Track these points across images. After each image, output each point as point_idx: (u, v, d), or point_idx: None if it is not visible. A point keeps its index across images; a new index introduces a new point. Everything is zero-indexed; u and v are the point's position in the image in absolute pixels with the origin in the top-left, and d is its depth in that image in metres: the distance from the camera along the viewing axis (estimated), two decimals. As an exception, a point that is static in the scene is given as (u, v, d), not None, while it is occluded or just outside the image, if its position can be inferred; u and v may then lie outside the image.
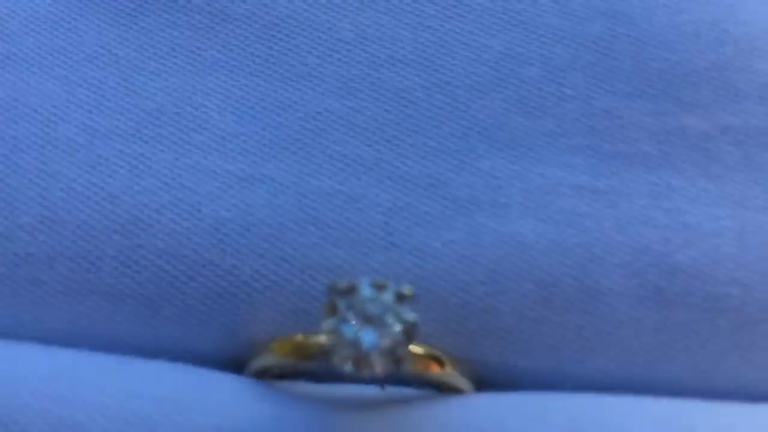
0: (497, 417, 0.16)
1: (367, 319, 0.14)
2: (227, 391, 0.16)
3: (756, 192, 0.17)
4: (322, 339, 0.15)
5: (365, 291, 0.14)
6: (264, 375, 0.17)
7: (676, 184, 0.17)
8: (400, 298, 0.15)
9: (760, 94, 0.18)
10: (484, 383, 0.17)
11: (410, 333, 0.14)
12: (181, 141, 0.18)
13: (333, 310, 0.15)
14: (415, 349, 0.15)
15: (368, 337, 0.14)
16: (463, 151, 0.18)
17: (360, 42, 0.18)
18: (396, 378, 0.16)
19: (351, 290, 0.15)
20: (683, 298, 0.16)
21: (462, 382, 0.16)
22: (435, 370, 0.16)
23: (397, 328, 0.14)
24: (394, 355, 0.14)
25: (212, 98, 0.18)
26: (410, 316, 0.14)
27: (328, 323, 0.14)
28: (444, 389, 0.16)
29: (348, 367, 0.14)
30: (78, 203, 0.17)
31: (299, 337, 0.16)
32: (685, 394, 0.17)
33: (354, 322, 0.14)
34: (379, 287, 0.15)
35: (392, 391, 0.16)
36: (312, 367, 0.16)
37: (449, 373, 0.16)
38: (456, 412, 0.16)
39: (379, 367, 0.14)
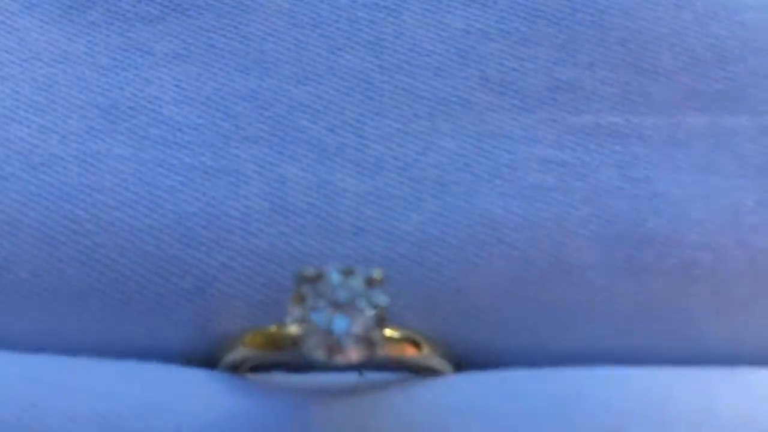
0: (479, 395, 0.15)
1: (338, 306, 0.14)
2: (202, 387, 0.16)
3: (720, 156, 0.17)
4: (294, 329, 0.15)
5: (333, 277, 0.14)
6: (238, 369, 0.16)
7: (642, 152, 0.17)
8: (370, 282, 0.14)
9: (720, 58, 0.18)
10: (462, 364, 0.17)
11: (382, 317, 0.14)
12: (138, 136, 0.18)
13: (301, 299, 0.14)
14: (390, 332, 0.15)
15: (340, 323, 0.14)
16: (427, 132, 0.17)
17: (316, 26, 0.18)
18: (373, 363, 0.15)
19: (319, 277, 0.14)
20: (656, 266, 0.16)
21: (440, 363, 0.16)
22: (412, 352, 0.16)
23: (369, 312, 0.14)
24: (368, 340, 0.14)
25: (168, 91, 0.18)
26: (381, 299, 0.14)
27: (296, 312, 0.14)
28: (422, 371, 0.16)
29: (320, 355, 0.14)
30: (34, 204, 0.17)
31: (272, 328, 0.16)
32: (663, 362, 0.17)
33: (324, 310, 0.14)
34: (348, 273, 0.14)
35: (371, 376, 0.16)
36: (287, 357, 0.16)
37: (426, 355, 0.16)
38: (436, 392, 0.16)
39: (352, 353, 0.14)
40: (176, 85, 0.18)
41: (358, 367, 0.16)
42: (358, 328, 0.14)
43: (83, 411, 0.15)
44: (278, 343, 0.15)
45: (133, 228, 0.17)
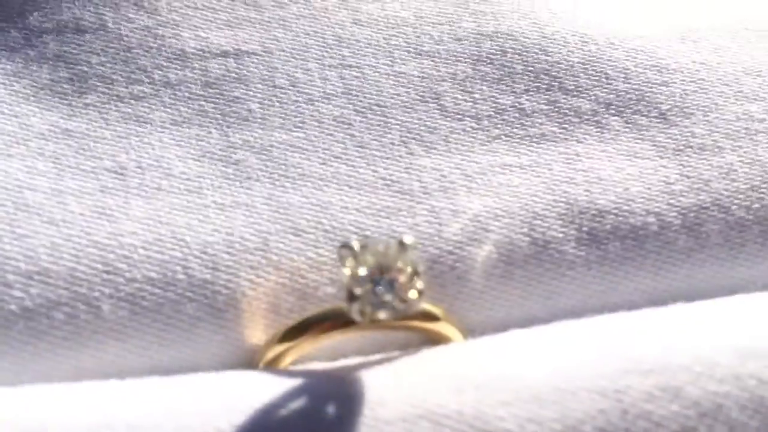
0: (506, 348, 0.18)
1: (378, 269, 0.16)
2: (249, 385, 0.17)
3: (642, 145, 0.21)
4: (334, 307, 0.17)
5: (374, 245, 0.17)
6: (277, 366, 0.18)
7: (582, 150, 0.21)
8: (402, 246, 0.17)
9: (624, 76, 0.22)
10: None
11: (416, 272, 0.17)
12: (150, 189, 0.20)
13: (346, 266, 0.16)
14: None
15: (383, 283, 0.16)
16: (405, 155, 0.21)
17: (294, 86, 0.21)
18: (402, 327, 0.18)
19: (361, 247, 0.17)
20: (614, 234, 0.20)
21: (455, 333, 0.18)
22: (433, 322, 0.18)
23: (406, 271, 0.16)
24: (408, 292, 0.16)
25: (170, 150, 0.20)
26: (415, 258, 0.17)
27: (345, 279, 0.16)
28: (440, 341, 0.18)
29: (369, 312, 0.16)
30: (62, 254, 0.18)
31: (303, 319, 0.18)
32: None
33: (367, 273, 0.16)
34: (383, 242, 0.17)
35: (396, 354, 0.18)
36: (324, 340, 0.18)
37: (444, 326, 0.18)
38: (472, 353, 0.18)
39: (397, 307, 0.16)
40: (177, 145, 0.20)
41: (392, 328, 0.18)
42: (397, 284, 0.16)
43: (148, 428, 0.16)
44: (316, 326, 0.17)
45: (161, 261, 0.19)
